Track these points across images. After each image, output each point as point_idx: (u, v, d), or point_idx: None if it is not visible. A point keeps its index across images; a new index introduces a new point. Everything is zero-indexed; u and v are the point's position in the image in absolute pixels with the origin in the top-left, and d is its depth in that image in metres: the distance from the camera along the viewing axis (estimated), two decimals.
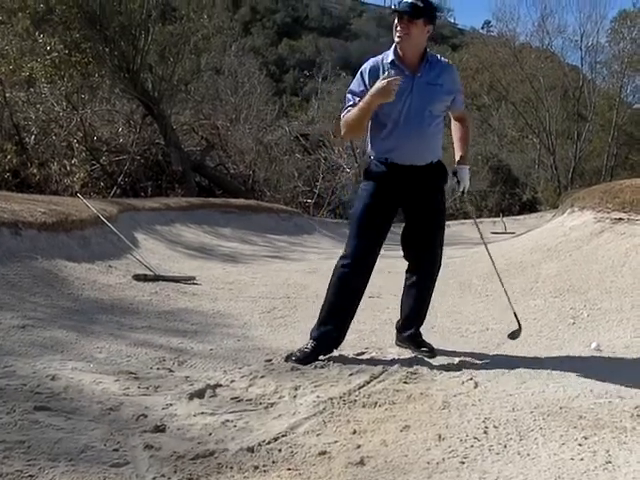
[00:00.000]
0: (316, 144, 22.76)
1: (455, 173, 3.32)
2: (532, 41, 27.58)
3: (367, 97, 3.05)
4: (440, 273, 3.44)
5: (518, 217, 20.83)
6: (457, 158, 3.33)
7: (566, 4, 60.08)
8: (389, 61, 3.14)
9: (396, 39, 3.10)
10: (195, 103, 17.48)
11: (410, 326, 3.40)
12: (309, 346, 3.21)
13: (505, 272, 5.98)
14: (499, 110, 28.79)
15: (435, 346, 3.36)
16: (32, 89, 13.36)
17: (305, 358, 3.13)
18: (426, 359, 3.22)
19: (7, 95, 12.18)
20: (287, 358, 3.17)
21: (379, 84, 2.99)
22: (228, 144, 18.39)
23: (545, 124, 26.09)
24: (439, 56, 3.26)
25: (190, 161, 15.45)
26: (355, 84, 3.19)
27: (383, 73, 3.09)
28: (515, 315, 3.43)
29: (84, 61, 13.15)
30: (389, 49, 3.20)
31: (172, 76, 14.59)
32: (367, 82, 3.13)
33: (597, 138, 26.91)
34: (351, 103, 3.16)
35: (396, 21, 3.07)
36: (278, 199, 18.19)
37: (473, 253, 8.39)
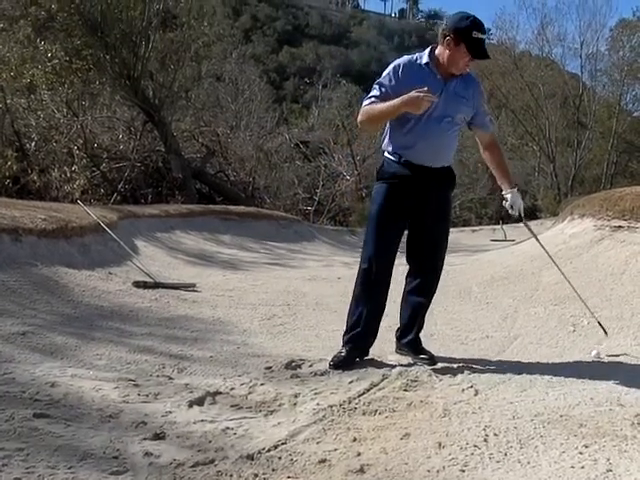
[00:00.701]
0: (316, 151, 22.83)
1: (506, 199, 3.32)
2: (532, 49, 27.70)
3: (397, 102, 3.03)
4: (439, 280, 3.44)
5: (518, 225, 20.75)
6: (503, 185, 3.33)
7: (566, 12, 60.54)
8: (423, 62, 3.16)
9: (457, 69, 3.11)
10: (195, 110, 17.51)
11: (409, 332, 3.39)
12: (343, 351, 3.26)
13: (505, 280, 5.99)
14: (499, 118, 28.75)
15: (435, 353, 3.35)
16: (33, 96, 13.36)
17: (341, 362, 3.18)
18: (426, 366, 3.21)
19: (8, 102, 12.17)
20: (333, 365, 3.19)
21: (414, 94, 2.97)
22: (228, 151, 18.42)
23: (545, 132, 26.12)
24: (468, 69, 3.25)
25: (190, 168, 15.46)
26: (386, 77, 3.18)
27: (417, 73, 3.12)
28: (599, 324, 3.47)
29: (85, 68, 13.16)
30: (412, 52, 3.26)
31: (173, 83, 14.62)
32: (400, 77, 3.12)
33: (597, 146, 26.94)
34: (377, 94, 3.16)
35: (465, 53, 3.05)
36: (278, 206, 18.20)
37: (473, 260, 8.40)
